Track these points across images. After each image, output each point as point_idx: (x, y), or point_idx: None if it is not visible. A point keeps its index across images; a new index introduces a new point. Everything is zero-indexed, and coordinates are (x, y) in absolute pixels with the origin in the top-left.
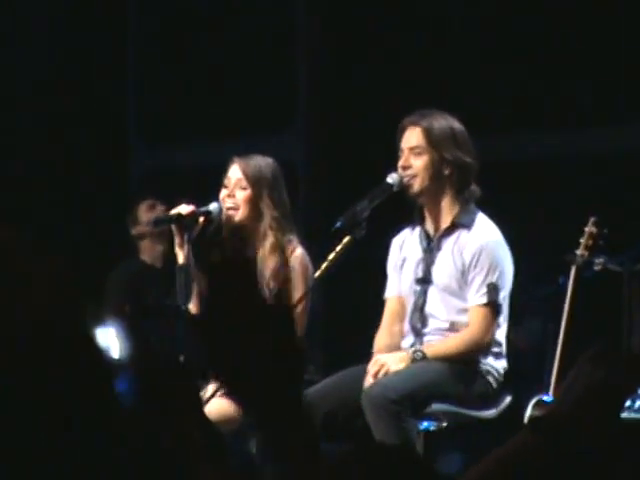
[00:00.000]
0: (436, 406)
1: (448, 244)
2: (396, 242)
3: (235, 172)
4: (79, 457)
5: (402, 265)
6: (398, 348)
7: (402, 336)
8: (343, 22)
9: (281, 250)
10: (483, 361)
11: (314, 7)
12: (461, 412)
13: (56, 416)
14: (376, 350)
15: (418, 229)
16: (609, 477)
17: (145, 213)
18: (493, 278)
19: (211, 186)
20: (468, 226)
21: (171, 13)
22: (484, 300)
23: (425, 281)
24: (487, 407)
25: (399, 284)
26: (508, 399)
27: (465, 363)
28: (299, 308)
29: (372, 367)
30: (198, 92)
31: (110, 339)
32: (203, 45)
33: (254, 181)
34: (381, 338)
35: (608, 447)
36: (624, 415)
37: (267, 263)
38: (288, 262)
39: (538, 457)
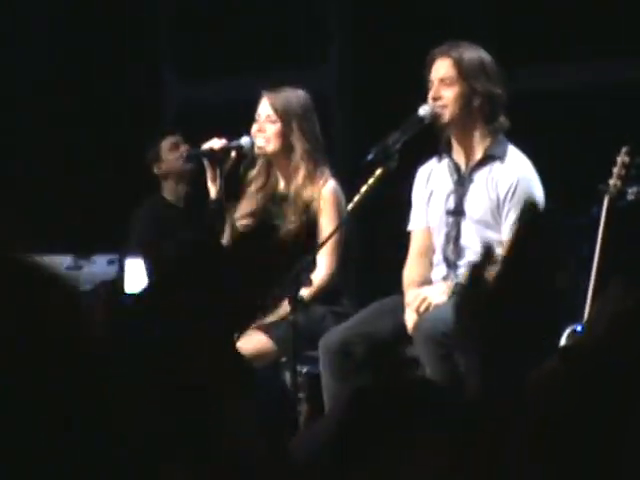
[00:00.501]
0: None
1: (481, 176)
2: (422, 173)
3: (264, 107)
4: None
5: (429, 197)
6: (429, 281)
7: (431, 268)
8: None
9: (313, 182)
10: None
11: None
12: None
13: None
14: (407, 283)
15: (446, 160)
16: (637, 406)
17: (168, 152)
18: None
19: (244, 121)
20: (501, 158)
21: None
22: None
23: (458, 213)
24: None
25: (426, 216)
26: None
27: None
28: (332, 240)
29: (413, 302)
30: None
31: (137, 273)
32: None
33: (283, 114)
34: (411, 271)
35: (637, 375)
36: None
37: (300, 195)
38: (320, 194)
39: (567, 385)
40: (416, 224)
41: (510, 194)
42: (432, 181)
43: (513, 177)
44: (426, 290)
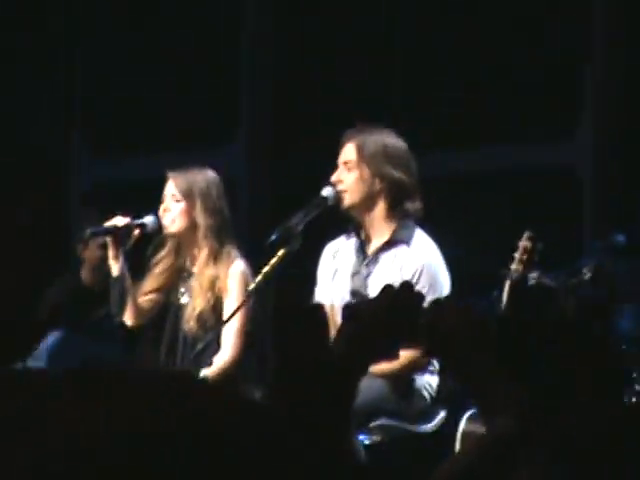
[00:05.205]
0: (378, 421)
1: (386, 259)
2: (329, 250)
3: (170, 187)
4: None
5: (334, 275)
6: None
7: None
8: (290, 35)
9: (218, 261)
10: (419, 377)
11: (262, 18)
12: (401, 426)
13: None
14: None
15: (353, 240)
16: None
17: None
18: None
19: (151, 200)
20: (407, 242)
21: (112, 33)
22: None
23: (361, 294)
24: (424, 422)
25: (331, 293)
26: (443, 414)
27: (403, 379)
28: (237, 324)
29: None
30: (142, 107)
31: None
32: (146, 59)
33: (186, 193)
34: None
35: None
36: None
37: (203, 274)
38: (227, 273)
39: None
40: (320, 301)
41: (415, 280)
42: (338, 259)
43: (419, 263)
44: None
